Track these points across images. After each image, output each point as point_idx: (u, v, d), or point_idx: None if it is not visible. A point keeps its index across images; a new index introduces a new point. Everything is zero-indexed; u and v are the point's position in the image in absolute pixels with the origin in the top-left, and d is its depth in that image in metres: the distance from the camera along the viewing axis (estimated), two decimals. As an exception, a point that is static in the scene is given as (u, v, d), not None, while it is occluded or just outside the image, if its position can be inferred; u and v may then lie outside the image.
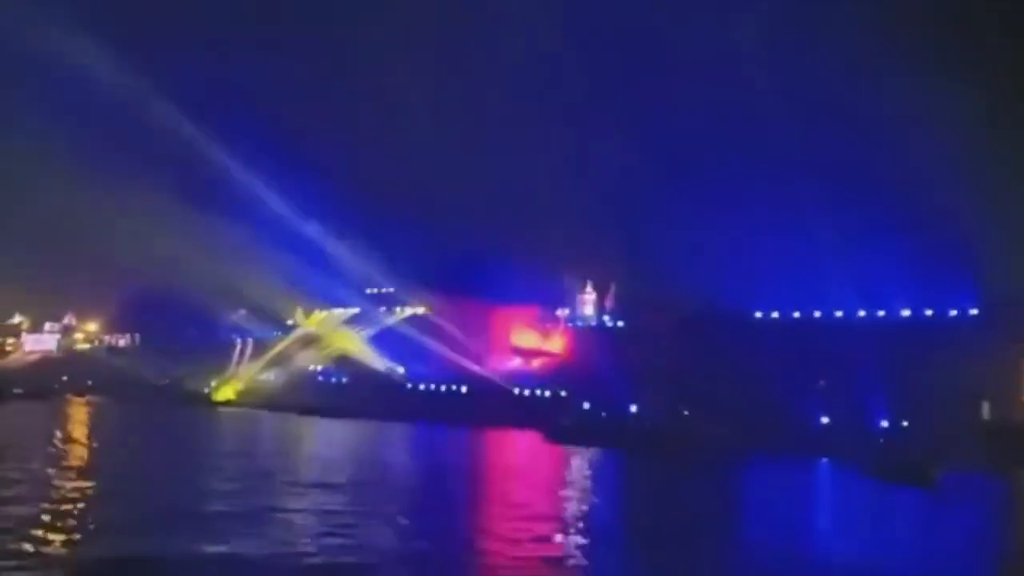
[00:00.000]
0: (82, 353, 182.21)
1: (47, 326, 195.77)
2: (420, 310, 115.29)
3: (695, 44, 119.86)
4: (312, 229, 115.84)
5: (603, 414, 58.31)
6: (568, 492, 28.35)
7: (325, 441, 50.39)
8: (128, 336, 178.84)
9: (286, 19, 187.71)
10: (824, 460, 50.51)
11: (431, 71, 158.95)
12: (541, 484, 32.08)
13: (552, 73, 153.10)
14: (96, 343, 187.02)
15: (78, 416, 53.96)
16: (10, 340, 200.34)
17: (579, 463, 41.59)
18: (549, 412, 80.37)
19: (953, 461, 52.12)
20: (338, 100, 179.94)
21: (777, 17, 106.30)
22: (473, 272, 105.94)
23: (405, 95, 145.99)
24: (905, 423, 55.65)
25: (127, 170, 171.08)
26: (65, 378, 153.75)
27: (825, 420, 72.22)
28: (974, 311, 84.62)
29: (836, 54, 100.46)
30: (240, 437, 47.54)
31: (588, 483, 33.90)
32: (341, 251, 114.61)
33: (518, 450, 46.68)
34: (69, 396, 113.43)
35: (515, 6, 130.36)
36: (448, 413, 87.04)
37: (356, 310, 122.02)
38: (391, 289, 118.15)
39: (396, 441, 50.52)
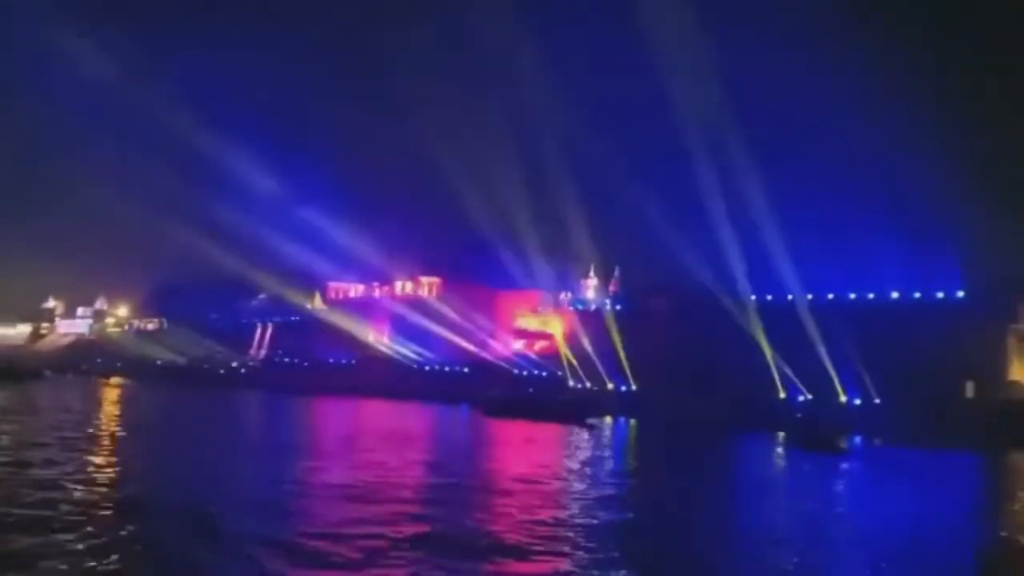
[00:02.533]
0: (112, 336, 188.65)
1: (79, 310, 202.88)
2: (426, 293, 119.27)
3: (697, 37, 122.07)
4: (327, 217, 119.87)
5: (530, 389, 62.10)
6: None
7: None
8: (156, 320, 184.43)
9: (300, 15, 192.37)
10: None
11: (438, 63, 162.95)
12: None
13: (557, 63, 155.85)
14: (126, 327, 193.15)
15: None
16: (44, 324, 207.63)
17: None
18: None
19: (908, 436, 55.10)
20: (350, 96, 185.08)
21: (772, 13, 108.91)
22: (478, 257, 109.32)
23: (413, 87, 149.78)
24: (858, 400, 58.06)
25: (154, 163, 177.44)
26: (100, 360, 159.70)
27: (801, 399, 74.68)
28: (961, 293, 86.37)
29: (826, 47, 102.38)
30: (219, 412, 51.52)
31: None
32: (353, 238, 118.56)
33: (445, 420, 50.35)
34: (98, 377, 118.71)
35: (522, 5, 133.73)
36: (445, 392, 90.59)
37: (363, 293, 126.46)
38: (398, 273, 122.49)
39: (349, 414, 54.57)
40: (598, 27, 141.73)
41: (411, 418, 53.26)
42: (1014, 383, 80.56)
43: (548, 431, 42.01)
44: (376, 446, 28.54)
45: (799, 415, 45.34)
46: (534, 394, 60.84)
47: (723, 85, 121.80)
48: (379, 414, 56.32)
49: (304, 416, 50.45)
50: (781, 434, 52.61)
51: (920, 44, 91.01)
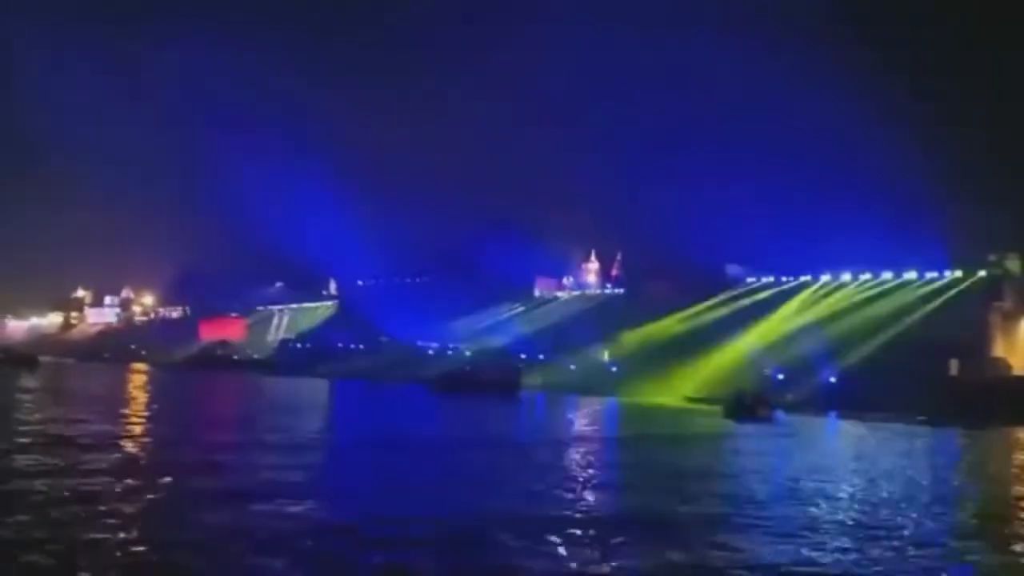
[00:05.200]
0: (138, 324, 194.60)
1: (107, 299, 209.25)
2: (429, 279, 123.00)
3: (694, 29, 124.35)
4: (336, 209, 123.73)
5: (467, 368, 67.22)
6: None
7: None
8: (180, 308, 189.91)
9: (311, 16, 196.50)
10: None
11: (440, 64, 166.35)
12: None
13: (561, 55, 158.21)
14: (151, 315, 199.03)
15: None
16: (74, 313, 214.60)
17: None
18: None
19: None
20: (359, 96, 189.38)
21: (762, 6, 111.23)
22: (482, 244, 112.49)
23: (418, 87, 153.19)
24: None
25: (174, 158, 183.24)
26: (133, 346, 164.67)
27: (781, 376, 77.26)
28: (948, 273, 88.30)
29: (814, 36, 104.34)
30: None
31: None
32: (364, 228, 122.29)
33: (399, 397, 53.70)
34: (122, 363, 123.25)
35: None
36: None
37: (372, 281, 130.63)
38: (406, 261, 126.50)
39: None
40: (597, 18, 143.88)
41: (363, 397, 55.83)
42: (998, 360, 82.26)
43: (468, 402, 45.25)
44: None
45: (736, 389, 49.22)
46: (471, 372, 66.60)
47: (718, 76, 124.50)
48: (336, 392, 59.79)
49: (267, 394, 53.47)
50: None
51: (906, 33, 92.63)
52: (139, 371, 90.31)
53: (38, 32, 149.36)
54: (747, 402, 39.55)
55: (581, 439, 25.94)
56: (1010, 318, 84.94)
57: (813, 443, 31.54)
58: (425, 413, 38.31)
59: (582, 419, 37.31)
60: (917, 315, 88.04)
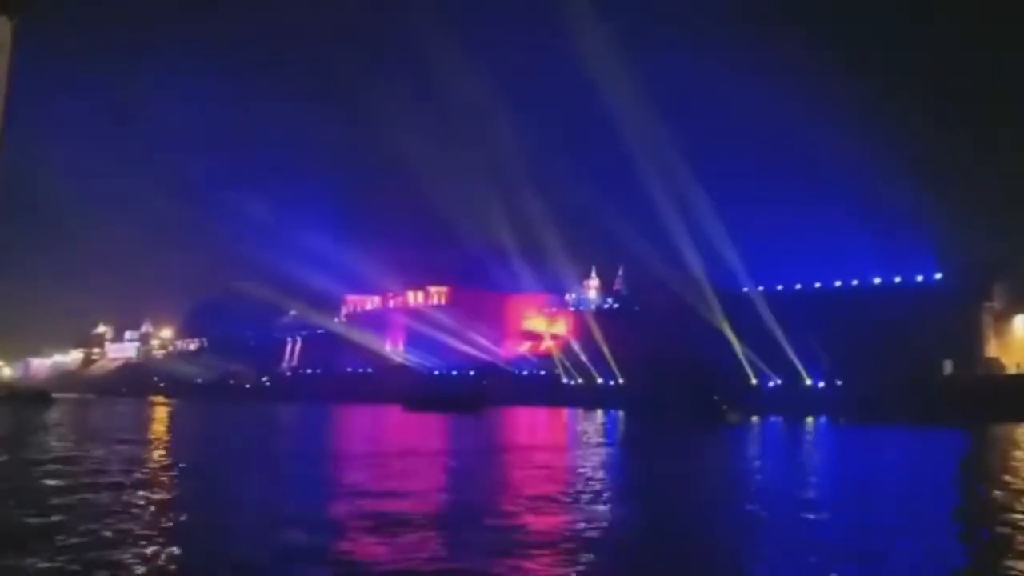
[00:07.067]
0: (157, 358, 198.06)
1: (127, 335, 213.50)
2: (435, 302, 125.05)
3: (687, 44, 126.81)
4: (342, 235, 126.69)
5: (437, 388, 71.19)
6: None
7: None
8: (197, 340, 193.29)
9: (316, 37, 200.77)
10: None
11: (441, 83, 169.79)
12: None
13: (563, 71, 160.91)
14: (170, 348, 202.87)
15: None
16: (95, 349, 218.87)
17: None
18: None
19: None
20: (362, 122, 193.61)
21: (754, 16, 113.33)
22: (488, 264, 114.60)
23: (420, 109, 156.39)
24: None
25: (187, 195, 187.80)
26: (156, 378, 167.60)
27: (772, 384, 78.46)
28: (938, 276, 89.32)
29: (802, 48, 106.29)
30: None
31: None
32: (366, 253, 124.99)
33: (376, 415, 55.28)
34: (145, 397, 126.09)
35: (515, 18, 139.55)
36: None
37: (379, 305, 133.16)
38: (410, 284, 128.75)
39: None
40: (596, 35, 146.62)
41: (346, 417, 57.27)
42: (991, 360, 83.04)
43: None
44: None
45: (716, 398, 51.44)
46: (441, 391, 70.74)
47: (711, 92, 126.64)
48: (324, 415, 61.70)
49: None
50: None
51: (891, 41, 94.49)
52: (159, 403, 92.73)
53: (46, 78, 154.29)
54: (719, 410, 41.54)
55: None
56: (1001, 318, 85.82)
57: (756, 446, 33.07)
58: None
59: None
60: (911, 317, 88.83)
